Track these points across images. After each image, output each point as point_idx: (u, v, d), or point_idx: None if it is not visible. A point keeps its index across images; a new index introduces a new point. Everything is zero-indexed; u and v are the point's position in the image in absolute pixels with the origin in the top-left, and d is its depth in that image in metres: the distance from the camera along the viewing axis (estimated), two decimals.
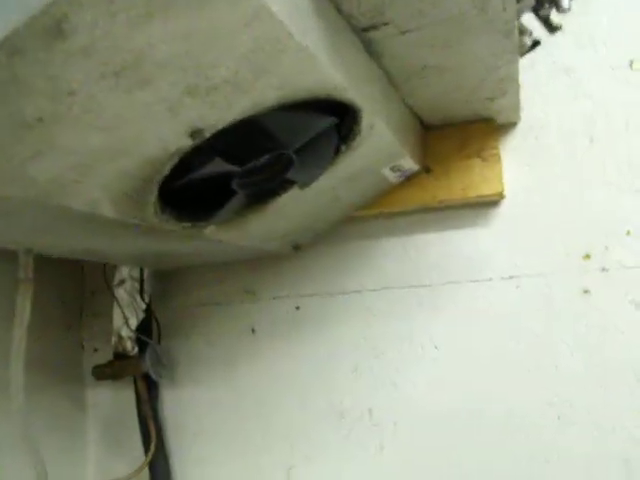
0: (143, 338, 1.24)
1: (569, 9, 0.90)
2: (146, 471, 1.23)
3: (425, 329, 1.16)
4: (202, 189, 0.76)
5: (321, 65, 0.62)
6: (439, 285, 1.15)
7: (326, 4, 0.65)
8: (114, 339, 1.23)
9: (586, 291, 1.07)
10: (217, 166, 0.70)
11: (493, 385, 1.10)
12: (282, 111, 0.67)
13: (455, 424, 1.12)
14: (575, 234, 1.09)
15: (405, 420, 1.15)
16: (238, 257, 1.24)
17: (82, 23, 0.44)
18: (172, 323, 1.32)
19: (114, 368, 1.25)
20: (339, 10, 0.68)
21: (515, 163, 1.13)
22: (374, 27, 0.73)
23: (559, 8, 0.90)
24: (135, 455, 1.26)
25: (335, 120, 0.76)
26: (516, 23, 0.78)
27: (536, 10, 0.90)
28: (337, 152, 0.86)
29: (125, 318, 1.22)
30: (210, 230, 0.87)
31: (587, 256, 1.08)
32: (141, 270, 1.25)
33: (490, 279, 1.12)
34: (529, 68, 1.09)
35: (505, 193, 1.10)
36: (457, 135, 1.12)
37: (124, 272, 1.23)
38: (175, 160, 0.67)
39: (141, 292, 1.25)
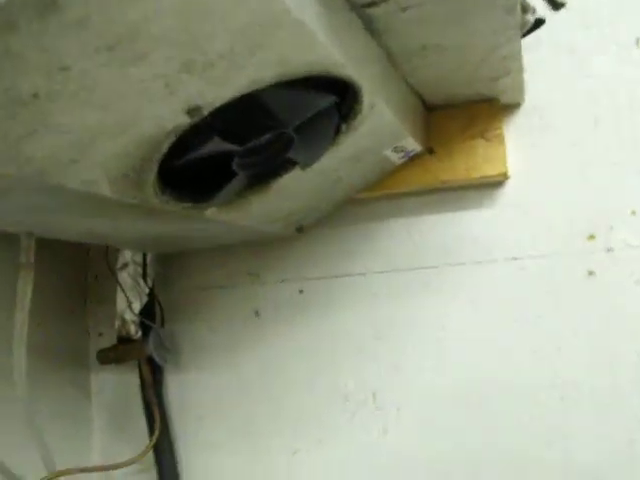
0: (146, 322, 1.24)
1: None
2: (151, 455, 1.24)
3: (430, 311, 1.15)
4: (203, 170, 0.76)
5: (318, 41, 0.61)
6: (444, 266, 1.15)
7: None
8: (117, 323, 1.23)
9: (591, 272, 1.06)
10: (216, 145, 0.69)
11: (497, 367, 1.10)
12: (281, 88, 0.66)
13: (459, 407, 1.12)
14: (579, 214, 1.08)
15: (409, 403, 1.15)
16: (241, 240, 1.24)
17: None
18: (175, 307, 1.32)
19: (118, 352, 1.25)
20: None
21: (519, 144, 1.12)
22: (374, 3, 0.72)
23: None
24: (140, 439, 1.26)
25: (335, 99, 0.75)
26: None
27: None
28: (338, 132, 0.85)
29: (128, 302, 1.22)
30: (211, 211, 0.86)
31: (592, 236, 1.07)
32: (144, 254, 1.25)
33: (495, 260, 1.12)
34: (533, 48, 1.08)
35: (509, 174, 1.10)
36: (461, 116, 1.11)
37: (127, 256, 1.23)
38: (173, 138, 0.66)
39: (144, 276, 1.25)
